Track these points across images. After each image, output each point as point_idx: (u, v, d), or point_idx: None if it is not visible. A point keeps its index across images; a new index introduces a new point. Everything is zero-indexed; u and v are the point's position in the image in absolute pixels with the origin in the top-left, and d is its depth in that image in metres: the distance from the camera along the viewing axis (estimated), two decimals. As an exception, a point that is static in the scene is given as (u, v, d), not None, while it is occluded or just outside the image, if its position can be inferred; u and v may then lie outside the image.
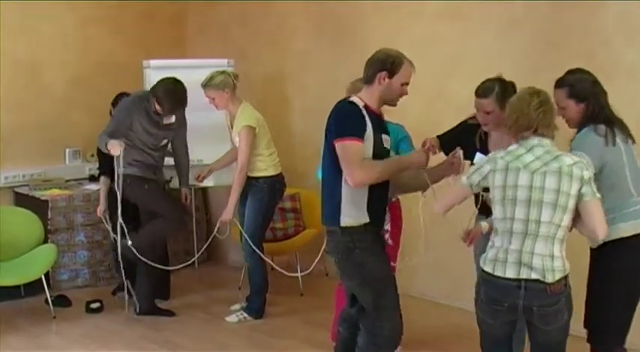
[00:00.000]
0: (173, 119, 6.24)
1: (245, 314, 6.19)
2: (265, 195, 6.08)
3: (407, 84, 4.14)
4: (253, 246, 6.04)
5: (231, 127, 6.14)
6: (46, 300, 6.35)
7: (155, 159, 6.19)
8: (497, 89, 4.38)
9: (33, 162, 7.13)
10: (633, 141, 4.11)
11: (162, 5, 8.09)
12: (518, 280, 3.58)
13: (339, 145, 3.89)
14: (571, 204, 3.56)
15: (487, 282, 3.70)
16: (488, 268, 3.68)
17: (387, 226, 5.15)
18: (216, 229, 6.24)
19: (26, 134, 7.10)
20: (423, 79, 6.39)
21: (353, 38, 6.91)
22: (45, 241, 6.52)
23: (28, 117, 7.09)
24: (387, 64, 4.07)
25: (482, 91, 4.41)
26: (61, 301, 6.51)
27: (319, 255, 5.42)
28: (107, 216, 6.41)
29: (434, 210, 4.01)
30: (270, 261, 6.38)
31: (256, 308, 6.23)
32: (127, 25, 7.72)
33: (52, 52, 7.29)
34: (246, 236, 6.07)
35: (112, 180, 6.17)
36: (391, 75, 4.07)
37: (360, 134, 3.90)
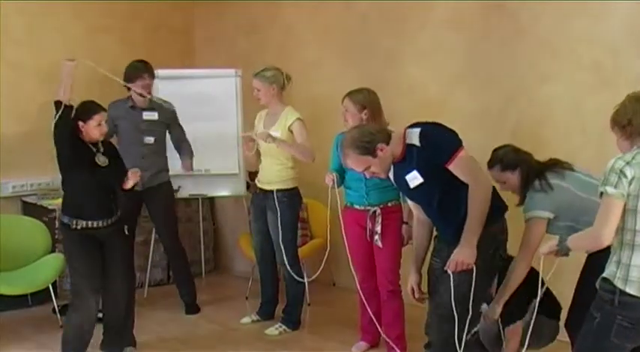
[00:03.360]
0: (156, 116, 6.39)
1: (284, 327, 6.12)
2: (287, 207, 5.99)
3: None
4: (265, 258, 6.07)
5: (263, 127, 6.03)
6: (53, 309, 6.36)
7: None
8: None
9: (40, 172, 7.13)
10: (572, 169, 4.33)
11: (171, 16, 8.13)
12: None
13: (458, 160, 4.00)
14: None
15: (630, 305, 3.29)
16: (633, 290, 3.28)
17: (378, 228, 5.21)
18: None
19: (33, 143, 7.10)
20: (428, 88, 6.47)
21: (359, 48, 6.93)
22: (52, 250, 6.53)
23: (35, 127, 7.09)
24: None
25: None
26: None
27: (323, 264, 5.44)
28: None
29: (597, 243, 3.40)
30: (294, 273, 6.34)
31: (295, 319, 6.18)
32: (135, 36, 7.75)
33: (58, 62, 7.30)
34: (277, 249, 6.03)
35: None
36: None
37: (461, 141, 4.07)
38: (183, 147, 6.60)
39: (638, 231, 3.28)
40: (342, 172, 5.44)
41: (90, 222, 5.11)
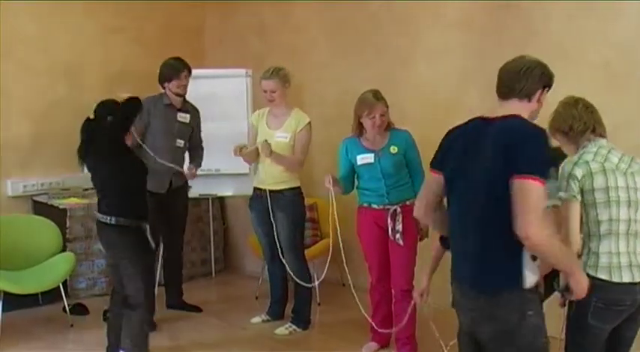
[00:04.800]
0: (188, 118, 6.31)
1: (294, 326, 6.12)
2: (295, 206, 6.01)
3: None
4: (276, 259, 6.07)
5: (268, 127, 6.02)
6: (64, 308, 6.38)
7: None
8: None
9: (51, 171, 7.17)
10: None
11: (182, 16, 8.14)
12: (635, 283, 3.63)
13: (524, 184, 2.96)
14: None
15: (602, 288, 3.59)
16: (604, 275, 3.61)
17: (399, 226, 5.22)
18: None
19: (45, 143, 7.15)
20: (438, 88, 6.46)
21: (369, 49, 6.92)
22: (63, 249, 6.55)
23: (46, 127, 7.14)
24: (548, 79, 3.39)
25: None
26: (79, 309, 6.54)
27: (327, 264, 5.42)
28: None
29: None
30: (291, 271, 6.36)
31: (305, 319, 6.18)
32: (146, 36, 7.77)
33: (71, 62, 7.34)
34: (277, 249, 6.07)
35: None
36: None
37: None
38: (198, 153, 6.55)
39: (602, 222, 3.63)
40: (350, 177, 5.46)
41: (145, 224, 5.18)
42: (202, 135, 6.55)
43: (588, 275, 3.49)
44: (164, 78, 6.24)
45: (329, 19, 7.27)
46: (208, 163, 6.67)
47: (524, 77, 3.29)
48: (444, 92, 6.38)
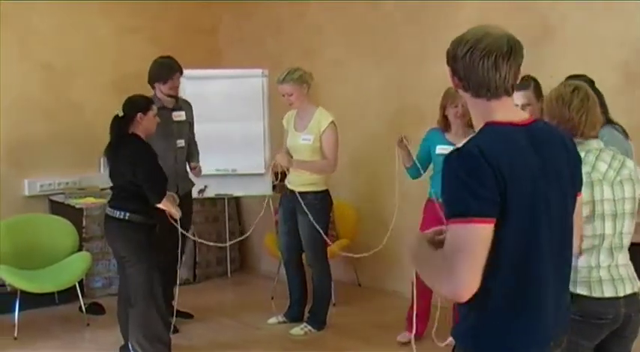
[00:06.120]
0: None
1: (309, 327, 6.09)
2: (316, 210, 5.94)
3: None
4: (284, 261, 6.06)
5: (295, 130, 6.03)
6: (80, 308, 6.40)
7: None
8: (533, 83, 4.54)
9: (68, 171, 7.21)
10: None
11: (198, 16, 8.16)
12: (618, 298, 3.33)
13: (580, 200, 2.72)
14: (636, 207, 3.42)
15: (582, 302, 3.28)
16: (583, 290, 3.31)
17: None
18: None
19: (61, 143, 7.18)
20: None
21: (385, 48, 6.91)
22: (79, 249, 6.58)
23: (62, 126, 7.18)
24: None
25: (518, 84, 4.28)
26: (95, 308, 6.56)
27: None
28: None
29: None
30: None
31: (321, 319, 6.16)
32: (162, 36, 7.77)
33: (87, 62, 7.37)
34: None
35: None
36: None
37: None
38: (195, 149, 6.40)
39: (585, 237, 3.25)
40: (422, 162, 5.51)
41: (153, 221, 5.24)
42: (216, 133, 6.53)
43: None
44: (156, 78, 6.05)
45: (345, 19, 7.26)
46: (225, 163, 6.68)
47: None
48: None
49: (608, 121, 4.16)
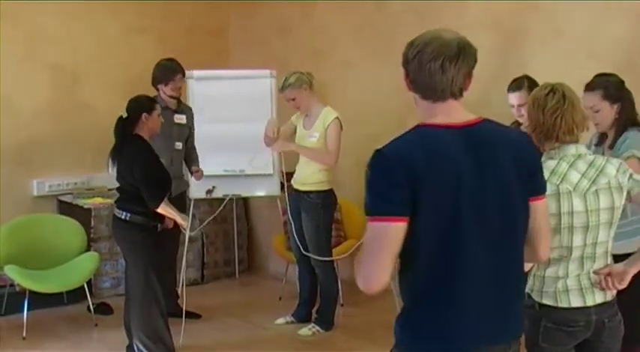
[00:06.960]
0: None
1: (317, 327, 6.10)
2: (318, 210, 6.00)
3: None
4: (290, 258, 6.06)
5: (304, 128, 6.08)
6: (88, 308, 6.41)
7: None
8: (528, 83, 4.53)
9: (76, 171, 7.22)
10: None
11: (205, 16, 8.16)
12: (588, 307, 3.25)
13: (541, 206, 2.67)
14: (620, 214, 3.27)
15: (550, 312, 3.24)
16: (549, 301, 3.24)
17: None
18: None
19: (69, 143, 7.19)
20: (464, 89, 6.42)
21: (393, 49, 6.89)
22: (87, 249, 6.59)
23: (71, 126, 7.19)
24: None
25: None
26: (103, 309, 6.57)
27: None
28: None
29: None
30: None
31: (328, 320, 6.17)
32: (170, 36, 7.78)
33: (95, 62, 7.38)
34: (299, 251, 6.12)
35: None
36: None
37: None
38: (195, 154, 6.43)
39: (552, 248, 3.05)
40: None
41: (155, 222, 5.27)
42: (224, 134, 6.55)
43: (533, 299, 3.25)
44: (159, 80, 6.15)
45: (352, 19, 7.26)
46: (232, 164, 6.68)
47: None
48: (467, 93, 6.34)
49: (635, 123, 4.09)
